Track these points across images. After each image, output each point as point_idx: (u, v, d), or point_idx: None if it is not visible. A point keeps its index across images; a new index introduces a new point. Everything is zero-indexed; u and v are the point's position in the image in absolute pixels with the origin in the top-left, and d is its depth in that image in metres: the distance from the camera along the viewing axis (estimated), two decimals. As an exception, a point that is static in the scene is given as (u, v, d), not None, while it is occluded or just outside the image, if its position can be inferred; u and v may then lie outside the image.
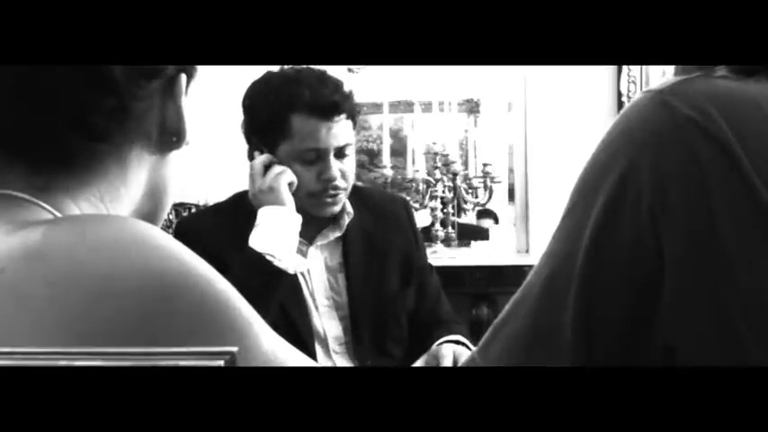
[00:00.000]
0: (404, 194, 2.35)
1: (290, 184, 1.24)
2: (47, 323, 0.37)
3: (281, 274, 1.18)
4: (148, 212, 0.54)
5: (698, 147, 0.48)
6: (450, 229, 2.54)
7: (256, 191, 1.23)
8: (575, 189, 0.54)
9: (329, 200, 1.28)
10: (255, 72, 1.28)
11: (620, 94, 2.43)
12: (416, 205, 2.47)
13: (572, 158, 1.54)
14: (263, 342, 0.43)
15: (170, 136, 0.53)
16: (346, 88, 1.28)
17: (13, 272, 0.38)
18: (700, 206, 0.48)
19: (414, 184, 2.56)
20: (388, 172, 2.57)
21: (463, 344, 1.32)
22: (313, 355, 1.26)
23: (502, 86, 2.68)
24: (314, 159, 1.25)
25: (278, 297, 1.21)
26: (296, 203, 1.23)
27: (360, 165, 3.88)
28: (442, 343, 1.32)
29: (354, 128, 1.30)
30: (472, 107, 3.77)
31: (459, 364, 1.13)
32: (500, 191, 2.97)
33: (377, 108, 3.30)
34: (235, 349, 0.33)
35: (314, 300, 1.32)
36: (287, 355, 0.46)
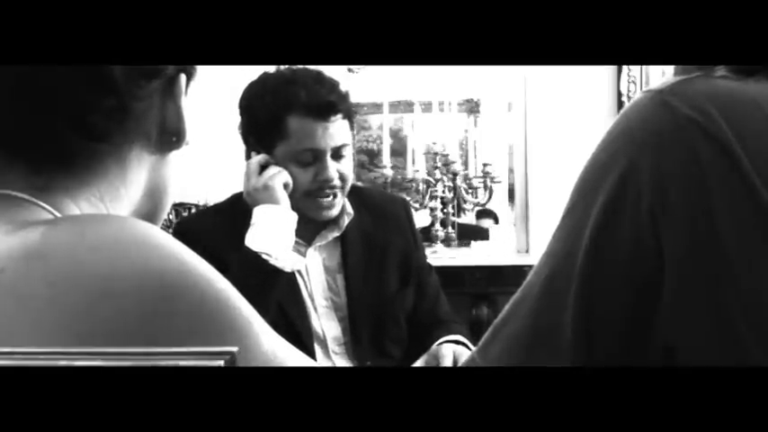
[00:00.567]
0: (404, 194, 2.35)
1: (286, 186, 1.24)
2: (47, 323, 0.37)
3: (277, 272, 1.18)
4: (148, 212, 0.54)
5: (698, 147, 0.48)
6: (450, 229, 2.54)
7: (251, 189, 1.23)
8: (575, 189, 0.54)
9: (326, 201, 1.28)
10: (255, 72, 1.28)
11: (620, 94, 2.43)
12: (416, 205, 2.47)
13: (572, 158, 1.54)
14: (264, 342, 0.43)
15: (170, 136, 0.53)
16: (343, 88, 1.27)
17: (13, 272, 0.38)
18: (700, 206, 0.48)
19: (414, 184, 2.56)
20: (388, 172, 2.57)
21: (463, 344, 1.32)
22: (312, 356, 1.26)
23: (502, 86, 2.68)
24: (311, 160, 1.25)
25: (275, 296, 1.21)
26: (293, 205, 1.23)
27: (360, 165, 3.88)
28: (441, 343, 1.31)
29: (352, 128, 1.30)
30: (472, 107, 3.77)
31: (459, 365, 1.14)
32: (500, 191, 2.97)
33: (377, 108, 3.31)
34: (235, 349, 0.33)
35: (312, 300, 1.31)
36: (287, 354, 0.46)
